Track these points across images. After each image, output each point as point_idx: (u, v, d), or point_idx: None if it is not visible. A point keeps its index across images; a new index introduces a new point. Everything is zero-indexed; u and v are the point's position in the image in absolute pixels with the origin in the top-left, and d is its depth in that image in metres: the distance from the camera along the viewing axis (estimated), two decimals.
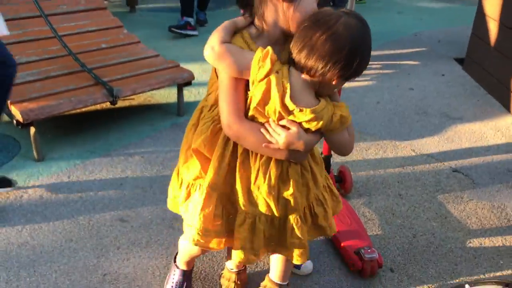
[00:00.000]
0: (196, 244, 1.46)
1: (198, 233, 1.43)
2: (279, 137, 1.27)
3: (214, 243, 1.48)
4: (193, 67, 3.28)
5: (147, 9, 5.56)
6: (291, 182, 1.37)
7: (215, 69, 1.37)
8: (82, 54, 3.03)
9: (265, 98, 1.25)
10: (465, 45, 4.18)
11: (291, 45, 1.25)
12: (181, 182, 1.52)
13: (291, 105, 1.24)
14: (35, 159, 2.63)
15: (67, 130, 2.96)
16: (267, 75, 1.22)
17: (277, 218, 1.44)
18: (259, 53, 1.23)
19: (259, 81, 1.23)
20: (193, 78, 3.13)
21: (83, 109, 2.95)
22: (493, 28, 3.68)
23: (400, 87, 3.75)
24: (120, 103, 3.18)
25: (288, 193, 1.38)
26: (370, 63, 3.48)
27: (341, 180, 2.45)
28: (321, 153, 2.31)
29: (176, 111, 3.20)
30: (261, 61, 1.22)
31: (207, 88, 1.46)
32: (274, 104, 1.24)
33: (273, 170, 1.34)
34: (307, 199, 1.45)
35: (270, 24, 1.26)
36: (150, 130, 3.01)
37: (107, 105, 3.01)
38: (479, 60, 3.89)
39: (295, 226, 1.44)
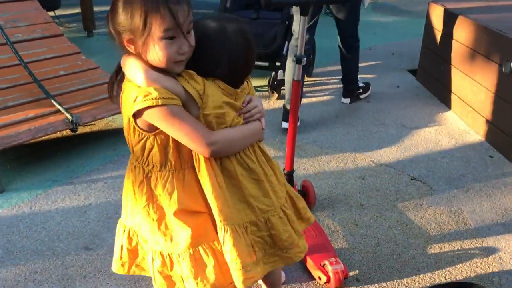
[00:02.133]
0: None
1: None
2: (258, 108, 1.43)
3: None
4: None
5: (104, 33, 5.54)
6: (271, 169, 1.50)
7: (133, 127, 1.32)
8: (41, 82, 3.01)
9: (215, 99, 1.32)
10: (417, 57, 4.36)
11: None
12: (170, 261, 1.44)
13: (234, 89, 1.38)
14: None
15: (27, 160, 2.91)
16: (203, 83, 1.31)
17: (262, 220, 1.45)
18: (185, 74, 1.30)
19: (202, 91, 1.30)
20: None
21: (44, 138, 2.91)
22: (440, 39, 3.86)
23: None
24: (81, 129, 3.16)
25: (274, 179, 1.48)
26: (328, 78, 3.67)
27: (305, 194, 2.50)
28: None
29: None
30: (193, 79, 1.30)
31: (135, 153, 1.39)
32: (220, 98, 1.34)
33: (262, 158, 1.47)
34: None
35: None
36: (112, 155, 3.00)
37: (68, 132, 2.98)
38: (430, 71, 4.06)
39: (285, 214, 1.50)
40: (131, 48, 1.29)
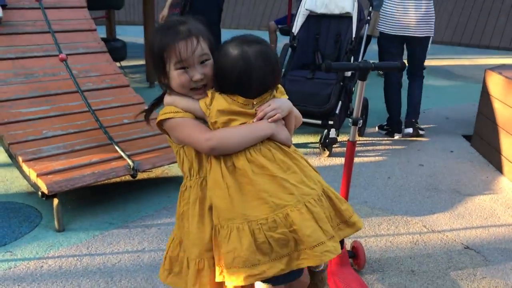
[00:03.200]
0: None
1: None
2: (271, 107, 1.49)
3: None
4: None
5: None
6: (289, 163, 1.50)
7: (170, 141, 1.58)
8: (106, 128, 3.20)
9: (220, 109, 1.47)
10: (472, 122, 4.32)
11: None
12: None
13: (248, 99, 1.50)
14: (56, 229, 2.72)
15: (87, 201, 3.06)
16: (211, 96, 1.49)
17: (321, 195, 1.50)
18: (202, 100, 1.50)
19: (209, 103, 1.48)
20: None
21: (104, 181, 3.06)
22: (497, 107, 3.83)
23: (410, 163, 3.85)
24: (139, 175, 3.29)
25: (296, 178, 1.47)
26: (380, 138, 3.68)
27: (354, 255, 2.48)
28: None
29: None
30: (207, 100, 1.49)
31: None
32: (227, 107, 1.47)
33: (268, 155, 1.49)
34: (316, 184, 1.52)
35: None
36: (166, 201, 3.11)
37: (126, 177, 3.13)
38: (486, 138, 4.00)
39: (335, 193, 1.53)
40: (164, 84, 1.55)
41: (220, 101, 1.46)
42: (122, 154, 2.97)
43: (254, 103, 1.49)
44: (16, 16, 3.68)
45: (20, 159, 2.86)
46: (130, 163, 2.89)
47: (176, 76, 1.48)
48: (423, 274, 2.48)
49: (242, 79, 1.46)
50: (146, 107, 3.60)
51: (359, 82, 2.13)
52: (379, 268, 2.51)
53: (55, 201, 2.67)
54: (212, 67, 1.50)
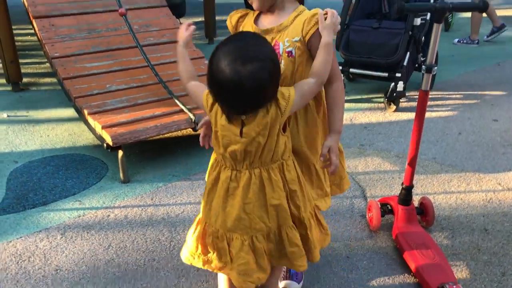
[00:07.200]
0: None
1: None
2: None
3: None
4: None
5: None
6: (277, 191, 1.54)
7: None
8: (167, 83, 3.19)
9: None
10: None
11: None
12: None
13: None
14: (121, 181, 2.78)
15: (150, 154, 3.10)
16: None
17: (272, 232, 1.58)
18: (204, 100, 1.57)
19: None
20: None
21: (166, 135, 3.08)
22: None
23: (483, 118, 3.61)
24: (200, 129, 3.29)
25: (275, 202, 1.54)
26: (450, 93, 3.44)
27: (423, 212, 2.37)
28: (402, 184, 2.26)
29: None
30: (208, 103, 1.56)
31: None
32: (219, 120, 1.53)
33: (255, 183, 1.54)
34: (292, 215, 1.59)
35: None
36: None
37: (188, 131, 3.13)
38: None
39: (290, 235, 1.58)
40: None
41: (213, 117, 1.51)
42: (183, 108, 2.96)
43: (243, 118, 1.46)
44: None
45: (85, 112, 2.93)
46: (192, 116, 2.88)
47: None
48: (498, 233, 2.33)
49: (231, 101, 1.44)
50: (206, 61, 3.60)
51: (435, 25, 1.96)
52: (449, 226, 2.39)
53: (120, 153, 2.72)
54: None
